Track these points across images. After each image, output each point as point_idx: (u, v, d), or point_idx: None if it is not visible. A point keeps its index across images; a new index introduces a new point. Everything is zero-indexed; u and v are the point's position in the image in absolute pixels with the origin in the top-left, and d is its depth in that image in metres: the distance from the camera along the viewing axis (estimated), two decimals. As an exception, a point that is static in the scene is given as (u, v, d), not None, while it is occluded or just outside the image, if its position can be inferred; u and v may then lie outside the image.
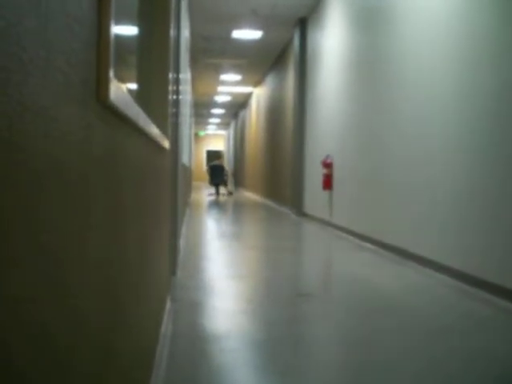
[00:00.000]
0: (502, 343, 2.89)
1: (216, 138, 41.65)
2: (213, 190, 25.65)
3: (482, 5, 4.24)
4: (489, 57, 4.13)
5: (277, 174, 14.58)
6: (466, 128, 4.47)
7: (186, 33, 8.43)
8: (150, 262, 2.05)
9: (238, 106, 26.48)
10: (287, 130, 13.04)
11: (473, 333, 3.06)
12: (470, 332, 3.08)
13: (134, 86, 2.64)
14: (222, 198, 17.76)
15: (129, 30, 2.37)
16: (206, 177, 44.32)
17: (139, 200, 1.65)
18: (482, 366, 2.54)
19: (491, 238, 4.04)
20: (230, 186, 31.44)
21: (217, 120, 33.80)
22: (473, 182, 4.33)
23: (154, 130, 1.99)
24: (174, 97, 4.34)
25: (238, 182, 28.56)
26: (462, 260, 4.47)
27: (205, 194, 21.82)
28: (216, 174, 19.37)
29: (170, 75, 3.39)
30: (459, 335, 3.01)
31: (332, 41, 8.88)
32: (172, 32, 3.66)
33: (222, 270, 4.87)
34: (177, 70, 4.54)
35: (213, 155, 41.10)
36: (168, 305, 3.44)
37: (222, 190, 26.92)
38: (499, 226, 3.94)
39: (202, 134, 40.86)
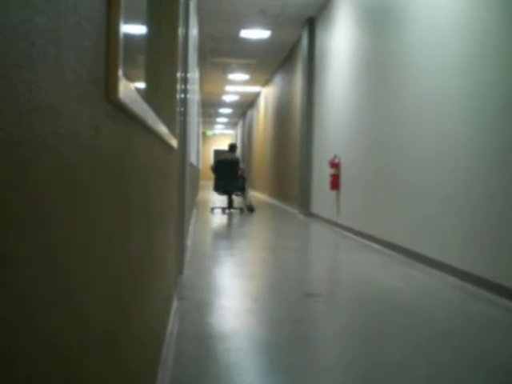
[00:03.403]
0: (510, 344, 2.87)
1: (224, 138, 41.66)
2: (219, 202, 14.41)
3: (493, 3, 4.22)
4: (501, 56, 4.11)
5: (284, 173, 14.56)
6: (476, 129, 4.44)
7: (194, 32, 8.43)
8: (156, 261, 2.05)
9: (245, 106, 26.48)
10: (295, 130, 13.03)
11: (481, 334, 3.05)
12: (478, 333, 3.06)
13: (142, 84, 2.64)
14: (236, 218, 10.32)
15: (138, 29, 2.37)
16: (213, 178, 40.84)
17: (147, 199, 1.65)
18: (490, 366, 2.53)
19: (500, 239, 4.02)
20: (250, 195, 17.23)
21: (224, 119, 33.80)
22: (482, 183, 4.31)
23: (162, 129, 1.99)
24: (182, 96, 4.34)
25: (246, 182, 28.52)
26: (471, 262, 4.44)
27: (208, 201, 14.45)
28: (225, 176, 11.38)
29: (179, 74, 3.40)
30: (467, 336, 2.99)
31: (340, 41, 8.86)
32: (180, 31, 3.66)
33: (229, 270, 4.87)
34: (185, 69, 4.54)
35: (221, 155, 40.90)
36: (175, 303, 3.44)
37: (238, 201, 15.80)
38: (508, 226, 3.92)
39: (209, 133, 40.89)
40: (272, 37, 12.66)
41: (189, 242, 6.57)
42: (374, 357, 2.63)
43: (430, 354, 2.68)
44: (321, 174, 10.15)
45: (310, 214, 11.10)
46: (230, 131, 41.76)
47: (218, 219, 9.86)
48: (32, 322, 0.58)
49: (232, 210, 11.92)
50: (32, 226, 0.58)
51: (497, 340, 2.96)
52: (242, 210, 11.64)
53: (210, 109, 27.65)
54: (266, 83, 19.12)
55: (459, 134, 4.70)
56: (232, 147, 12.13)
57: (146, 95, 2.77)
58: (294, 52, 13.46)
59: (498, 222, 4.06)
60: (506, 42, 4.01)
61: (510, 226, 3.89)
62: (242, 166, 11.71)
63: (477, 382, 2.35)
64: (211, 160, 40.99)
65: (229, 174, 11.39)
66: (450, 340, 2.93)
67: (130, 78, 2.04)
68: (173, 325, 3.00)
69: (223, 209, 11.53)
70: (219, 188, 11.44)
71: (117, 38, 0.99)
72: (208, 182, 38.59)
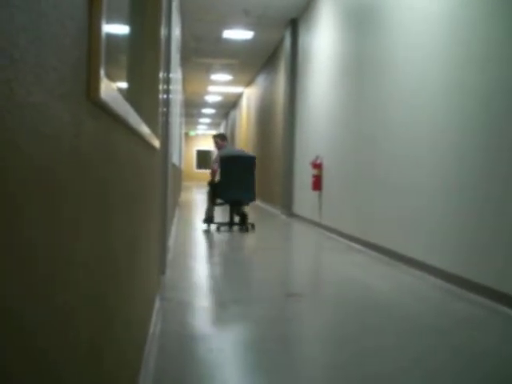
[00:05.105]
0: (486, 341, 2.91)
1: (207, 138, 41.59)
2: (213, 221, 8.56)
3: (474, 6, 4.27)
4: (484, 58, 4.15)
5: (267, 174, 14.58)
6: (455, 131, 4.49)
7: (176, 32, 8.41)
8: (138, 261, 2.05)
9: (228, 106, 26.46)
10: (277, 131, 13.05)
11: (459, 331, 3.08)
12: (456, 331, 3.09)
13: (124, 84, 2.63)
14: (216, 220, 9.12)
15: (120, 29, 2.36)
16: (199, 178, 39.67)
17: (128, 198, 1.64)
18: (467, 363, 2.56)
19: (477, 238, 4.07)
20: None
21: (207, 120, 33.75)
22: (462, 184, 4.35)
23: (144, 129, 1.98)
24: (165, 96, 4.33)
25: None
26: (450, 261, 4.49)
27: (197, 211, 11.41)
28: (240, 179, 7.93)
29: (161, 74, 3.39)
30: (445, 334, 3.03)
31: (323, 42, 8.90)
32: (163, 31, 3.66)
33: (211, 270, 4.86)
34: (167, 70, 4.53)
35: (203, 156, 40.81)
36: (157, 304, 3.43)
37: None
38: (486, 227, 3.97)
39: (192, 133, 40.79)
40: (255, 37, 12.67)
41: (171, 242, 6.56)
42: (355, 355, 2.65)
43: (410, 351, 2.71)
44: (303, 175, 10.18)
45: (292, 215, 11.13)
46: (213, 132, 41.72)
47: (199, 220, 9.83)
48: (12, 321, 0.58)
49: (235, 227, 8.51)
50: (11, 225, 0.57)
51: (474, 337, 2.99)
52: (252, 225, 8.47)
53: (192, 109, 27.59)
54: (248, 84, 19.13)
55: (438, 137, 4.74)
56: (222, 137, 8.52)
57: (128, 95, 2.76)
58: (276, 53, 13.49)
59: (476, 221, 4.10)
60: (488, 44, 4.05)
61: (488, 224, 3.93)
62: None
63: (458, 378, 2.37)
64: (194, 161, 40.68)
65: (246, 176, 7.92)
66: (431, 337, 2.95)
67: (112, 78, 2.03)
68: (155, 325, 3.00)
69: (218, 224, 8.14)
70: (231, 197, 7.91)
71: (99, 36, 0.99)
72: (190, 182, 38.44)
